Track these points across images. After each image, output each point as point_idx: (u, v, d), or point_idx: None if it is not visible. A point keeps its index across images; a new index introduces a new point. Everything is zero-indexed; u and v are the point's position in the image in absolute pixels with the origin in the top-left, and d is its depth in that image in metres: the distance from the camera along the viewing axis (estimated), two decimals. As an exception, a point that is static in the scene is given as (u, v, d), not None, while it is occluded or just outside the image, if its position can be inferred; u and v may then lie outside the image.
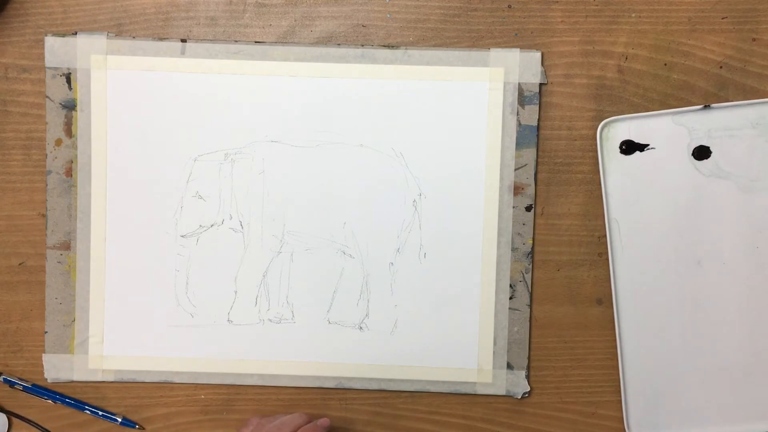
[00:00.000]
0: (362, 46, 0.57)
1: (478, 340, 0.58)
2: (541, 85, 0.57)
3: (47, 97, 0.57)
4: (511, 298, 0.58)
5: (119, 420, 0.58)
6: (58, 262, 0.58)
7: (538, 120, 0.57)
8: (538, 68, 0.56)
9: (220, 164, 0.57)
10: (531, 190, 0.57)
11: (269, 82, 0.57)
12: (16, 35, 0.57)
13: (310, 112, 0.57)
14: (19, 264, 0.58)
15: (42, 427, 0.58)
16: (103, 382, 0.59)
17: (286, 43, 0.57)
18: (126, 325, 0.58)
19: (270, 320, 0.58)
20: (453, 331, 0.58)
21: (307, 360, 0.58)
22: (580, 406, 0.59)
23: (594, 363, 0.59)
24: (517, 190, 0.57)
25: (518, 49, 0.56)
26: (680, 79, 0.57)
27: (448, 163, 0.57)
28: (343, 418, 0.59)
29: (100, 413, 0.58)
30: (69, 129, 0.57)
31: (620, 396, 0.58)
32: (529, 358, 0.58)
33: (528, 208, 0.57)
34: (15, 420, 0.59)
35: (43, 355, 0.58)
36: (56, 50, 0.56)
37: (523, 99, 0.57)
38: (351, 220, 0.57)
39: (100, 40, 0.56)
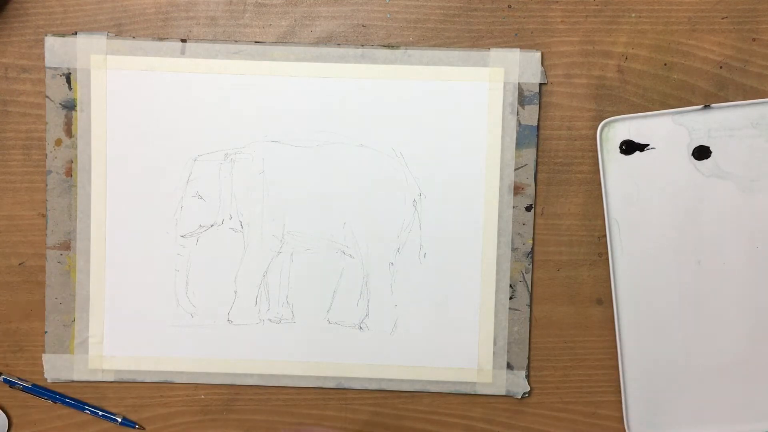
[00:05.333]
0: (362, 46, 0.57)
1: (478, 340, 0.58)
2: (541, 85, 0.57)
3: (47, 97, 0.57)
4: (511, 298, 0.58)
5: (119, 420, 0.58)
6: (58, 262, 0.58)
7: (538, 120, 0.57)
8: (538, 68, 0.56)
9: (220, 164, 0.57)
10: (531, 190, 0.57)
11: (269, 82, 0.57)
12: (16, 35, 0.57)
13: (310, 112, 0.57)
14: (19, 264, 0.58)
15: None
16: (103, 382, 0.59)
17: (286, 43, 0.57)
18: (126, 325, 0.58)
19: (270, 320, 0.58)
20: (453, 331, 0.58)
21: (307, 360, 0.58)
22: (580, 406, 0.59)
23: (594, 363, 0.59)
24: (517, 190, 0.57)
25: (518, 49, 0.56)
26: (680, 79, 0.57)
27: (448, 163, 0.57)
28: (343, 418, 0.59)
29: (100, 413, 0.58)
30: (69, 129, 0.57)
31: (620, 396, 0.58)
32: (529, 358, 0.58)
33: (528, 208, 0.57)
34: (15, 420, 0.59)
35: (43, 355, 0.58)
36: (56, 50, 0.56)
37: (523, 99, 0.57)
38: (351, 220, 0.57)
39: (100, 40, 0.56)
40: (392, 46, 0.57)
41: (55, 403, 0.58)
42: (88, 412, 0.58)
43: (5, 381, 0.58)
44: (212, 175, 0.57)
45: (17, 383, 0.58)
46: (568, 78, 0.57)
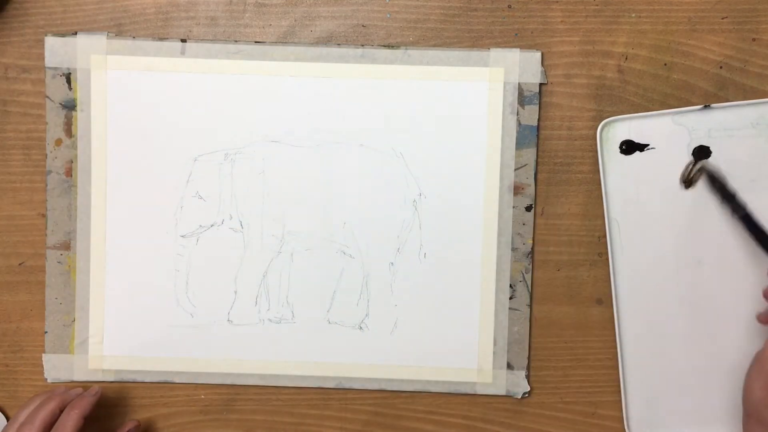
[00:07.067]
0: (362, 46, 0.57)
1: (478, 340, 0.58)
2: (541, 85, 0.57)
3: (47, 97, 0.57)
4: (511, 298, 0.58)
5: None
6: (58, 262, 0.58)
7: (538, 120, 0.57)
8: (538, 68, 0.56)
9: (220, 164, 0.57)
10: (531, 190, 0.57)
11: (269, 82, 0.57)
12: (16, 35, 0.57)
13: (310, 112, 0.57)
14: (19, 264, 0.58)
15: None
16: (103, 382, 0.59)
17: (286, 43, 0.57)
18: (126, 325, 0.58)
19: (270, 320, 0.58)
20: (453, 331, 0.58)
21: (307, 360, 0.58)
22: (580, 406, 0.59)
23: (594, 363, 0.59)
24: (517, 190, 0.57)
25: (518, 49, 0.56)
26: (680, 79, 0.57)
27: (448, 163, 0.57)
28: (343, 418, 0.59)
29: None
30: (69, 129, 0.57)
31: (620, 396, 0.58)
32: (529, 358, 0.58)
33: (528, 208, 0.57)
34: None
35: (43, 355, 0.58)
36: (56, 50, 0.56)
37: (523, 99, 0.57)
38: (351, 220, 0.57)
39: (100, 40, 0.56)
40: (392, 46, 0.57)
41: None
42: None
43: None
44: (212, 175, 0.57)
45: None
46: (568, 78, 0.57)
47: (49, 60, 0.57)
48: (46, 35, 0.57)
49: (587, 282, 0.58)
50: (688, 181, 0.53)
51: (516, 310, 0.58)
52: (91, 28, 0.57)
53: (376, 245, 0.58)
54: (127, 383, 0.59)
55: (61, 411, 0.53)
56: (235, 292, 0.58)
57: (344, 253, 0.58)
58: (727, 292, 0.57)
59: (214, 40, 0.57)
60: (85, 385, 0.58)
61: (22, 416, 0.52)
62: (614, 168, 0.56)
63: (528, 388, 0.58)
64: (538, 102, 0.57)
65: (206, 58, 0.57)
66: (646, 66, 0.57)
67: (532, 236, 0.58)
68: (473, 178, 0.57)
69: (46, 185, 0.57)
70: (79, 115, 0.57)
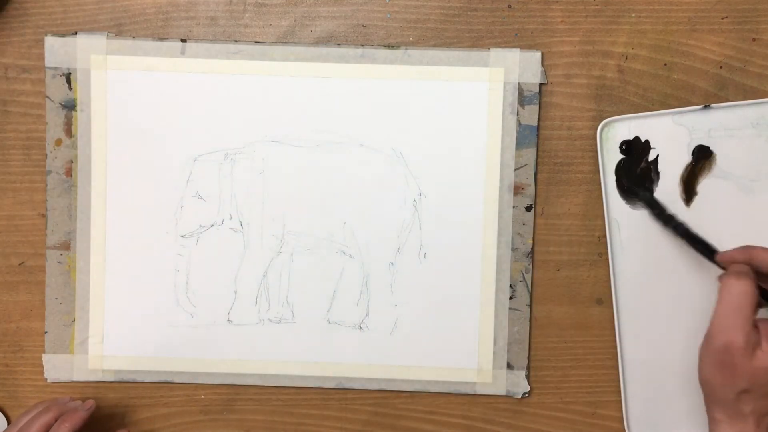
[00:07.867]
0: (362, 46, 0.57)
1: (478, 340, 0.58)
2: (541, 85, 0.57)
3: (47, 97, 0.57)
4: (511, 298, 0.58)
5: None
6: (58, 262, 0.58)
7: (538, 120, 0.57)
8: (538, 68, 0.56)
9: (220, 164, 0.57)
10: (531, 190, 0.57)
11: (269, 82, 0.57)
12: (16, 35, 0.57)
13: (310, 112, 0.57)
14: (19, 264, 0.58)
15: None
16: (103, 382, 0.59)
17: (286, 43, 0.57)
18: (126, 325, 0.58)
19: (270, 320, 0.58)
20: (453, 331, 0.58)
21: (307, 360, 0.58)
22: (580, 406, 0.59)
23: (594, 363, 0.59)
24: (517, 190, 0.57)
25: (518, 49, 0.56)
26: (680, 79, 0.57)
27: (448, 163, 0.57)
28: (343, 418, 0.59)
29: None
30: (69, 129, 0.57)
31: (620, 396, 0.58)
32: (529, 358, 0.58)
33: (528, 208, 0.57)
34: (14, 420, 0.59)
35: (43, 355, 0.58)
36: (56, 50, 0.56)
37: (523, 99, 0.57)
38: (351, 220, 0.57)
39: (100, 40, 0.56)
40: (392, 46, 0.57)
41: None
42: None
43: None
44: (212, 175, 0.57)
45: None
46: (568, 78, 0.57)
47: (49, 60, 0.57)
48: (46, 35, 0.57)
49: (587, 282, 0.58)
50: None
51: (516, 310, 0.58)
52: (91, 28, 0.57)
53: (376, 245, 0.58)
54: (127, 383, 0.59)
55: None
56: (235, 292, 0.58)
57: (344, 253, 0.58)
58: (727, 292, 0.57)
59: (214, 40, 0.57)
60: (86, 386, 0.58)
61: (22, 422, 0.53)
62: (614, 168, 0.56)
63: (528, 388, 0.58)
64: (538, 102, 0.57)
65: (206, 58, 0.57)
66: (646, 66, 0.57)
67: (532, 236, 0.58)
68: (473, 178, 0.57)
69: (46, 185, 0.57)
70: (79, 115, 0.57)
